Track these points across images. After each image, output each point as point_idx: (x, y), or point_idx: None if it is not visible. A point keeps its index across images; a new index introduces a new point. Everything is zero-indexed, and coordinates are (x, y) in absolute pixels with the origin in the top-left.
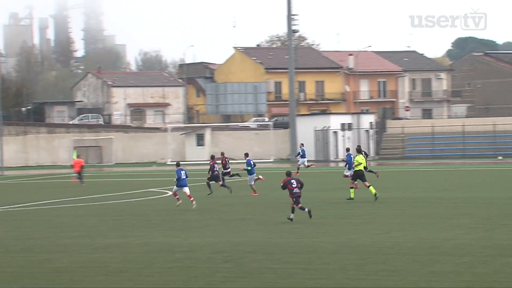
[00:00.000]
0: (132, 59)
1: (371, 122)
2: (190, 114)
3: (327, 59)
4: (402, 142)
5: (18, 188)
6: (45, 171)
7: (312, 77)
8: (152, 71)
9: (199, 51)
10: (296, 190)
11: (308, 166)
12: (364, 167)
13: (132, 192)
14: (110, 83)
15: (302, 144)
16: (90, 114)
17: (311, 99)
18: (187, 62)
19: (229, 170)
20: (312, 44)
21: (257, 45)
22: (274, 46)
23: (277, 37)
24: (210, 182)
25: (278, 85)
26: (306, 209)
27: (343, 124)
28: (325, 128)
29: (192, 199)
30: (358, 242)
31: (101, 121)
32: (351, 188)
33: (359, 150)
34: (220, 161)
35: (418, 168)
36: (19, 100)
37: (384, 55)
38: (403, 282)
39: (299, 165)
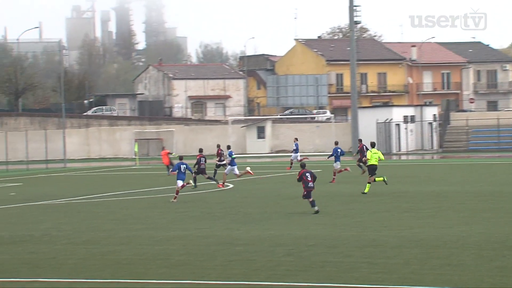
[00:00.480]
0: (193, 51)
1: (434, 115)
2: (250, 106)
3: (389, 50)
4: (466, 135)
5: (81, 180)
6: (107, 163)
7: (374, 69)
8: (213, 63)
9: (260, 43)
10: (310, 184)
11: (300, 160)
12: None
13: (196, 184)
14: (171, 75)
15: (296, 139)
16: (104, 106)
17: (373, 91)
18: (248, 54)
19: (223, 162)
20: (374, 36)
21: (319, 36)
22: (335, 37)
23: (338, 29)
24: (197, 176)
25: (339, 77)
26: (316, 208)
27: (405, 117)
28: (387, 121)
29: (177, 193)
30: (422, 236)
31: (115, 113)
32: (368, 183)
33: (373, 145)
34: (216, 153)
35: (483, 161)
36: (81, 92)
37: (448, 46)
38: (467, 277)
39: (292, 159)
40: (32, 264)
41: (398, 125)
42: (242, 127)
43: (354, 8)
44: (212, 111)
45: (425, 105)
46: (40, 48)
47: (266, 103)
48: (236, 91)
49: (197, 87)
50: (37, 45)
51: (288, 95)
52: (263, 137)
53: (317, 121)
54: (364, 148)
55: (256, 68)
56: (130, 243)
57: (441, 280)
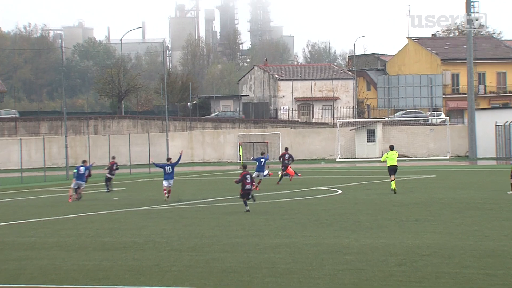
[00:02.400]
0: (299, 51)
1: None
2: (360, 108)
3: (509, 48)
4: None
5: (185, 185)
6: (211, 168)
7: (493, 68)
8: (320, 63)
9: (370, 41)
10: (248, 186)
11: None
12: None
13: (302, 190)
14: (276, 76)
15: (262, 153)
16: (3, 110)
17: (491, 92)
18: (357, 53)
19: (113, 176)
20: (493, 33)
21: (433, 34)
22: (451, 35)
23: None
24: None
25: (455, 77)
26: (247, 208)
27: None
28: (507, 123)
29: (169, 193)
30: None
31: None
32: (392, 181)
33: (391, 148)
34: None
35: None
36: (184, 94)
37: None
38: None
39: (260, 178)
40: (136, 271)
41: None
42: (351, 130)
43: (471, 3)
44: (319, 113)
45: None
46: (143, 48)
47: (377, 105)
48: (345, 92)
49: (304, 88)
50: (140, 46)
51: (400, 97)
52: (374, 141)
53: (431, 124)
54: (286, 157)
55: (366, 68)
56: (235, 250)
57: None
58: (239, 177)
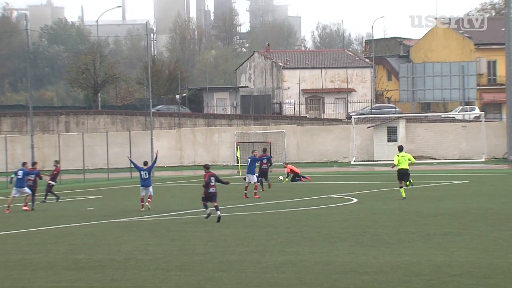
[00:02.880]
0: (308, 34)
1: None
2: (379, 102)
3: None
4: None
5: (172, 193)
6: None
7: None
8: (332, 49)
9: (391, 23)
10: (212, 189)
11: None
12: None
13: (310, 198)
14: (281, 64)
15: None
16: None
17: None
18: (375, 37)
19: (55, 183)
20: None
21: (465, 15)
22: (487, 16)
23: (490, 5)
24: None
25: (491, 65)
26: (219, 213)
27: None
28: None
29: (149, 201)
30: None
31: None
32: (401, 187)
33: (400, 149)
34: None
35: None
36: (172, 85)
37: None
38: None
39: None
40: None
41: None
42: (369, 127)
43: None
44: (331, 108)
45: None
46: (123, 31)
47: (399, 98)
48: (361, 83)
49: (313, 79)
50: (119, 28)
51: (426, 88)
52: (395, 140)
53: (463, 120)
54: (265, 161)
55: (386, 54)
56: (231, 269)
57: None
58: (204, 180)
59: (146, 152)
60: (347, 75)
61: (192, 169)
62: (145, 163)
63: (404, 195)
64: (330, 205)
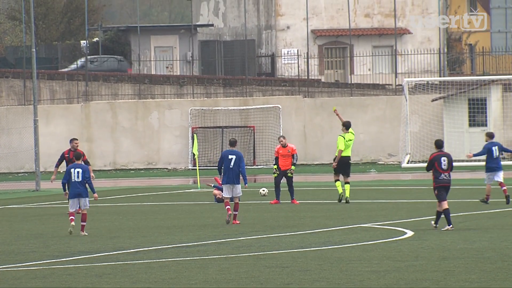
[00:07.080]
0: None
1: None
2: (453, 54)
3: None
4: None
5: (55, 219)
6: (133, 181)
7: None
8: None
9: None
10: None
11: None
12: None
13: (333, 229)
14: None
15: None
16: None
17: None
18: None
19: None
20: None
21: None
22: None
23: None
24: None
25: None
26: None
27: None
28: None
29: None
30: None
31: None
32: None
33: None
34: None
35: None
36: (74, 24)
37: None
38: None
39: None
40: None
41: None
42: (434, 100)
43: None
44: (366, 65)
45: None
46: None
47: (490, 46)
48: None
49: (333, 10)
50: None
51: None
52: (483, 123)
53: None
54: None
55: None
56: None
57: None
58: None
59: (26, 145)
60: (395, 3)
61: (112, 177)
62: (75, 152)
63: (348, 195)
64: (366, 242)
